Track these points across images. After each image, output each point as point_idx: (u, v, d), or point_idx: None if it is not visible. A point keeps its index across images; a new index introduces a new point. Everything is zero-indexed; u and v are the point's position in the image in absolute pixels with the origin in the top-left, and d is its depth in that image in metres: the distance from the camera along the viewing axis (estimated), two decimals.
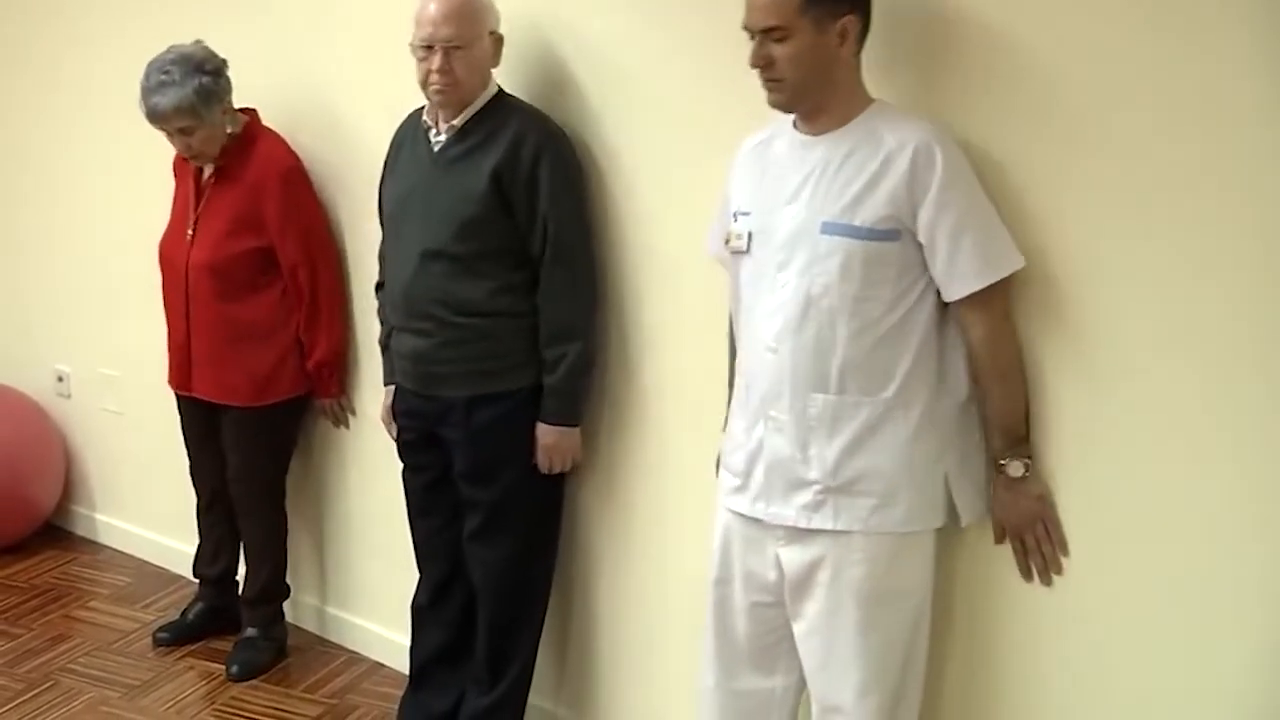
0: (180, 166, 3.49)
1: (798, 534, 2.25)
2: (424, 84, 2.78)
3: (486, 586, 2.99)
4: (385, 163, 3.02)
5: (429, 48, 2.74)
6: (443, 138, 2.84)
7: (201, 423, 3.53)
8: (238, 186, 3.32)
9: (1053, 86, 2.11)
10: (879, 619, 2.22)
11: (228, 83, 3.31)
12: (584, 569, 3.06)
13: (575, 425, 2.90)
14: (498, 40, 2.83)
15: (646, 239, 2.79)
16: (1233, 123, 1.94)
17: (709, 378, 2.59)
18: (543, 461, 2.89)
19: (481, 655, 3.03)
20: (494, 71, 2.84)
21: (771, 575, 2.31)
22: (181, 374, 3.47)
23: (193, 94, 3.21)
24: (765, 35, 2.16)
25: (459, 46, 2.73)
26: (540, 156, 2.75)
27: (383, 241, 3.04)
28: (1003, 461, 2.20)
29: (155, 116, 3.24)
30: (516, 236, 2.80)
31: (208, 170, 3.38)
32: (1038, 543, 2.20)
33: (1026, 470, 2.19)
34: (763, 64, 2.18)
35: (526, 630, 3.02)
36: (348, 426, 3.55)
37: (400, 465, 3.09)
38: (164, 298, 3.51)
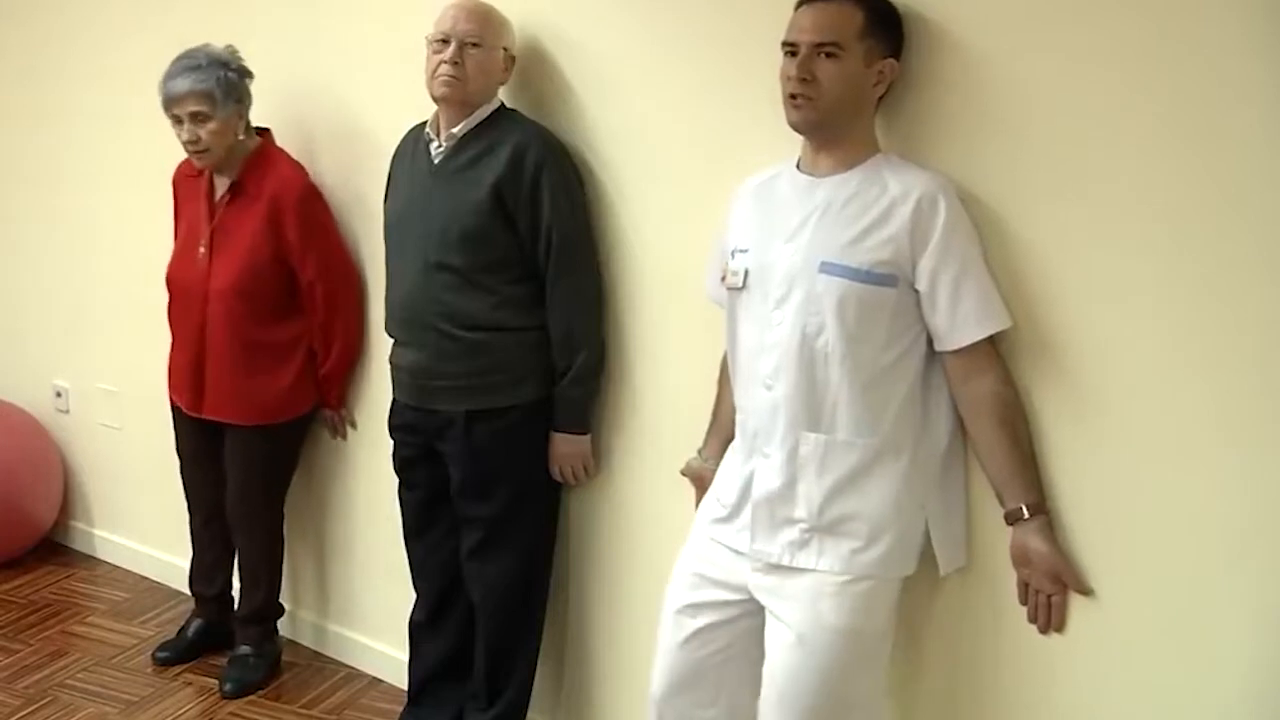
0: (186, 186, 3.47)
1: (778, 567, 2.26)
2: (432, 76, 2.80)
3: (485, 604, 2.99)
4: (388, 178, 3.04)
5: (445, 41, 2.78)
6: (443, 148, 2.86)
7: (202, 441, 3.51)
8: (255, 206, 3.30)
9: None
10: (840, 655, 2.21)
11: (248, 89, 3.31)
12: (582, 584, 3.07)
13: (585, 433, 2.91)
14: (510, 58, 2.85)
15: (645, 250, 2.80)
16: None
17: (708, 389, 2.59)
18: (556, 471, 2.91)
19: (480, 672, 3.03)
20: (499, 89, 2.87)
21: (738, 597, 2.32)
22: (192, 396, 3.43)
23: (214, 82, 3.22)
24: (815, 50, 2.16)
25: (475, 44, 2.77)
26: (542, 169, 2.76)
27: (386, 258, 3.04)
28: (1017, 508, 2.17)
29: (172, 97, 3.24)
30: (517, 249, 2.81)
31: (220, 189, 3.36)
32: (1047, 596, 2.18)
33: (1034, 515, 2.16)
34: (807, 77, 2.17)
35: (525, 646, 3.03)
36: (345, 438, 3.55)
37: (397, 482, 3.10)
38: (173, 321, 3.48)
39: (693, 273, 2.59)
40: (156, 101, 3.37)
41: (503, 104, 2.89)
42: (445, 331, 2.84)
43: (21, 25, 4.20)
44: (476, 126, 2.84)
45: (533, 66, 2.92)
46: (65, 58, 4.10)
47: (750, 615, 2.33)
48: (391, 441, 3.08)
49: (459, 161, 2.84)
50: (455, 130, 2.85)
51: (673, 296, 2.76)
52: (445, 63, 2.77)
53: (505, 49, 2.84)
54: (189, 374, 3.43)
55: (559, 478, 2.93)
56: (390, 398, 3.07)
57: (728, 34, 2.57)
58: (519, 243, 2.81)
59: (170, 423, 3.61)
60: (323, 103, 3.45)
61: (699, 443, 2.62)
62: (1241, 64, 1.91)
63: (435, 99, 2.84)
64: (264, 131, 3.40)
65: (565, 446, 2.89)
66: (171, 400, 3.56)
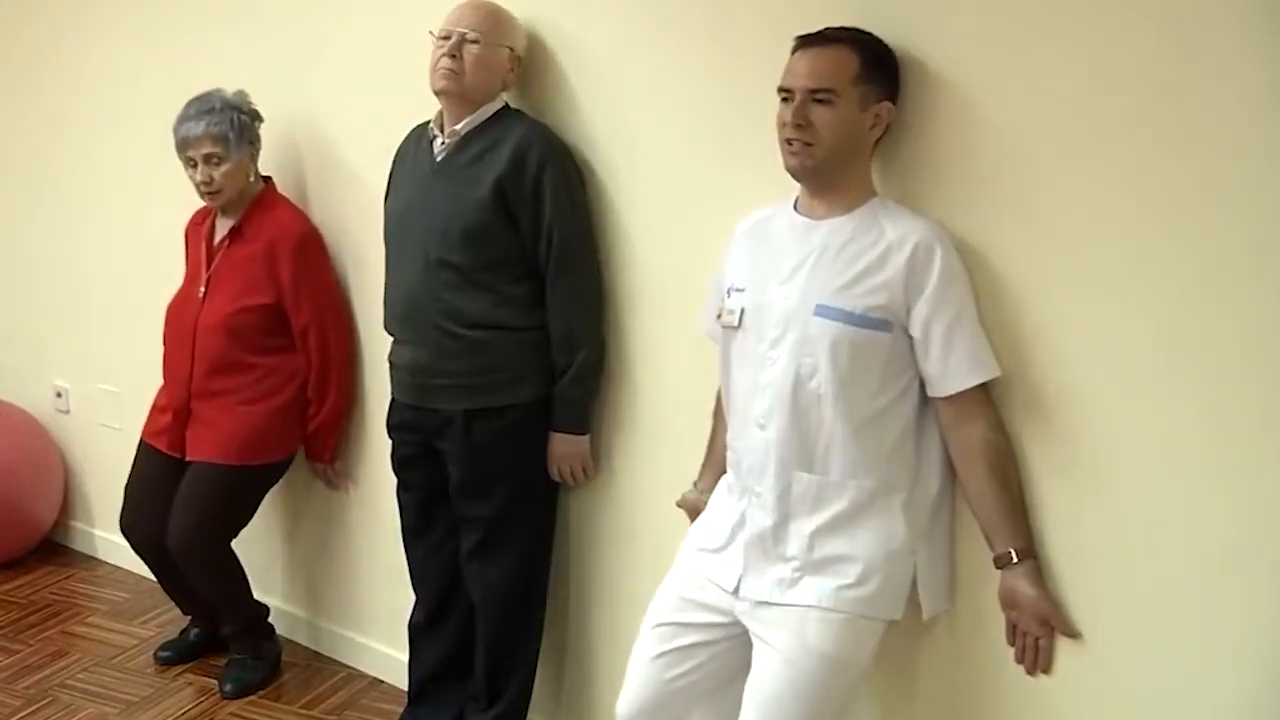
0: (194, 234, 3.51)
1: (767, 603, 2.26)
2: (432, 69, 2.81)
3: (486, 604, 2.99)
4: (389, 177, 3.04)
5: (447, 37, 2.78)
6: (446, 145, 2.86)
7: (165, 479, 3.41)
8: (251, 248, 3.33)
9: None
10: (825, 681, 2.20)
11: (258, 133, 3.37)
12: (582, 584, 3.07)
13: (584, 433, 2.91)
14: (515, 59, 2.86)
15: (645, 250, 2.80)
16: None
17: (708, 389, 2.59)
18: (554, 471, 2.91)
19: (480, 672, 3.03)
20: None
21: (721, 620, 2.31)
22: (175, 438, 3.41)
23: (228, 125, 3.28)
24: (809, 96, 2.17)
25: (475, 41, 2.77)
26: (544, 168, 2.76)
27: (386, 256, 3.04)
28: (1006, 552, 2.17)
29: (187, 141, 3.29)
30: (518, 248, 2.81)
31: (220, 233, 3.40)
32: (1035, 639, 2.18)
33: (1023, 560, 2.16)
34: (801, 124, 2.17)
35: (525, 647, 3.03)
36: (345, 491, 3.53)
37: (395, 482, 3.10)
38: (165, 363, 3.49)
39: (693, 273, 2.59)
40: (157, 103, 3.39)
41: (506, 104, 2.89)
42: (446, 329, 2.84)
43: (31, 34, 4.21)
44: (480, 125, 2.84)
45: (536, 66, 2.91)
46: (68, 63, 4.10)
47: (731, 638, 2.32)
48: (390, 441, 3.07)
49: (461, 159, 2.84)
50: (458, 127, 2.85)
51: (673, 296, 2.75)
52: (444, 55, 2.78)
53: (510, 49, 2.84)
54: (174, 414, 3.41)
55: (558, 478, 2.93)
56: (388, 398, 3.07)
57: (729, 34, 2.57)
58: (520, 241, 2.81)
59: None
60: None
61: (699, 443, 2.62)
62: (1243, 66, 1.90)
63: (435, 93, 2.84)
64: (266, 179, 3.44)
65: (564, 446, 2.89)
66: (143, 440, 3.51)
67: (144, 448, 3.52)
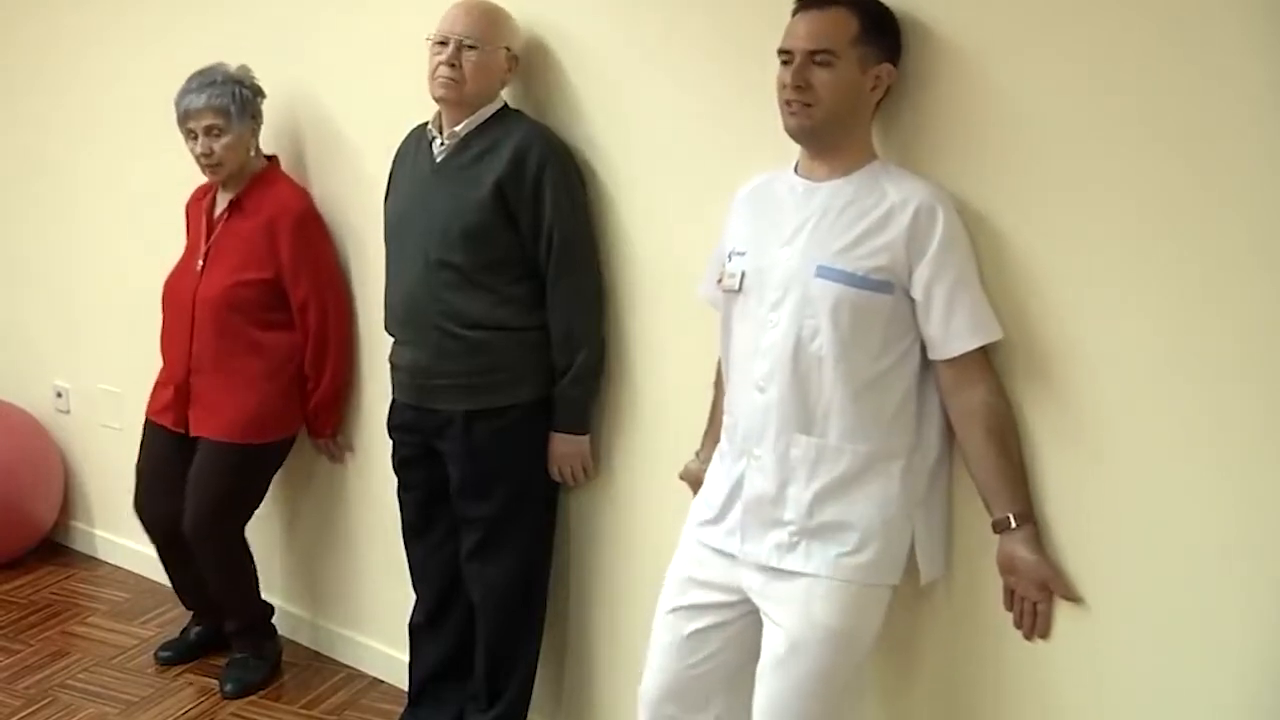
0: (194, 209, 3.51)
1: (770, 570, 2.26)
2: (431, 77, 2.81)
3: (486, 605, 2.99)
4: (389, 178, 3.04)
5: (443, 43, 2.78)
6: (445, 146, 2.86)
7: (171, 458, 3.43)
8: (251, 222, 3.33)
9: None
10: (833, 656, 2.21)
11: (260, 109, 3.37)
12: (582, 584, 3.07)
13: (584, 434, 2.91)
14: (513, 58, 2.85)
15: (645, 250, 2.80)
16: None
17: (708, 390, 2.59)
18: (554, 471, 2.91)
19: (480, 672, 3.03)
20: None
21: (731, 599, 2.32)
22: (177, 413, 3.41)
23: (229, 98, 3.28)
24: (809, 58, 2.17)
25: (472, 46, 2.77)
26: (544, 169, 2.76)
27: (386, 257, 3.04)
28: (1004, 517, 2.17)
29: (188, 113, 3.29)
30: (518, 248, 2.81)
31: (220, 206, 3.39)
32: (1033, 604, 2.18)
33: (1021, 525, 2.17)
34: (801, 85, 2.17)
35: (525, 647, 3.03)
36: (343, 463, 3.54)
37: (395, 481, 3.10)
38: (164, 337, 3.49)
39: (693, 273, 2.59)
40: (159, 105, 3.39)
41: (505, 104, 2.89)
42: (447, 330, 2.84)
43: (29, 31, 4.21)
44: (479, 125, 2.84)
45: (535, 66, 2.92)
46: (71, 63, 4.10)
47: (744, 617, 2.33)
48: (390, 441, 3.07)
49: (461, 160, 2.84)
50: (458, 129, 2.85)
51: (673, 297, 2.75)
52: (443, 64, 2.78)
53: (507, 48, 2.84)
54: (175, 391, 3.41)
55: (558, 478, 2.93)
56: (388, 399, 3.07)
57: (730, 35, 2.57)
58: (520, 242, 2.81)
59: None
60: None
61: (698, 443, 2.62)
62: (1241, 64, 1.90)
63: (435, 99, 2.84)
64: (271, 158, 3.44)
65: (564, 446, 2.89)
66: (148, 419, 3.51)
67: (150, 427, 3.52)
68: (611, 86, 2.80)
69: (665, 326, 2.79)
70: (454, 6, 2.83)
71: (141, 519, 3.56)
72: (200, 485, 3.37)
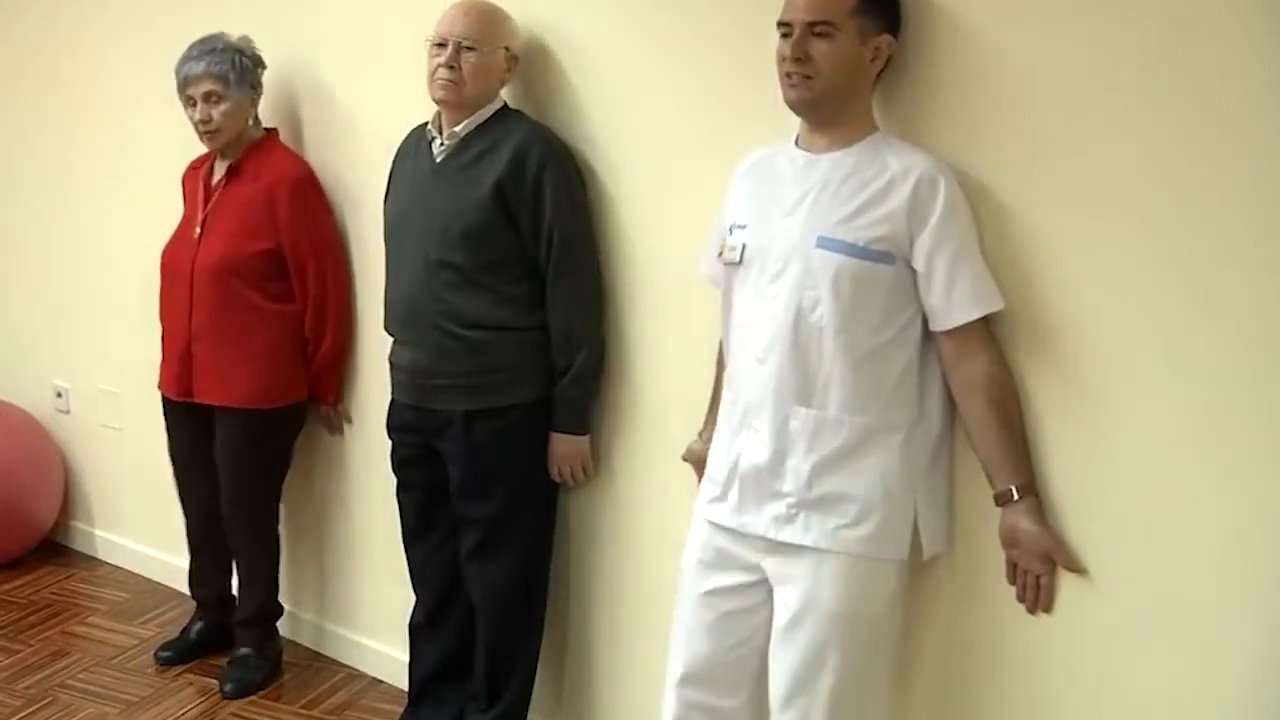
0: (190, 180, 3.52)
1: (775, 545, 2.26)
2: (430, 78, 2.81)
3: (486, 605, 2.99)
4: (389, 178, 3.04)
5: (442, 45, 2.78)
6: (445, 146, 2.86)
7: (194, 434, 3.49)
8: (249, 189, 3.34)
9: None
10: (837, 640, 2.21)
11: (260, 79, 3.38)
12: (582, 584, 3.07)
13: (584, 434, 2.91)
14: (512, 58, 2.85)
15: (645, 250, 2.80)
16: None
17: (708, 389, 2.59)
18: (554, 472, 2.91)
19: (480, 672, 3.03)
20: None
21: (751, 579, 2.31)
22: (182, 382, 3.43)
23: (229, 65, 3.29)
24: (808, 29, 2.17)
25: (471, 47, 2.77)
26: (544, 169, 2.76)
27: (386, 257, 3.03)
28: (1006, 489, 2.17)
29: (188, 80, 3.30)
30: (518, 248, 2.81)
31: (219, 173, 3.40)
32: (1036, 577, 2.18)
33: (1024, 497, 2.16)
34: (801, 57, 2.17)
35: (525, 647, 3.03)
36: (342, 434, 3.55)
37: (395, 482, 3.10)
38: (163, 305, 3.50)
39: (693, 273, 2.59)
40: (161, 103, 3.38)
41: (505, 104, 2.89)
42: (446, 330, 2.84)
43: (22, 26, 4.21)
44: (479, 126, 2.85)
45: (535, 66, 2.92)
46: (68, 59, 4.10)
47: (765, 600, 2.31)
48: (390, 441, 3.07)
49: (461, 160, 2.84)
50: (458, 129, 2.85)
51: (673, 297, 2.75)
52: (442, 66, 2.78)
53: (506, 49, 2.84)
54: (178, 359, 3.43)
55: (558, 478, 2.93)
56: (388, 397, 3.07)
57: (730, 35, 2.57)
58: (520, 242, 2.81)
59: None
60: (324, 105, 3.45)
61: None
62: (1241, 60, 1.91)
63: (434, 101, 2.84)
64: (271, 130, 3.45)
65: (564, 447, 2.89)
66: (163, 397, 3.54)
67: (169, 411, 3.55)
68: (611, 86, 2.80)
69: (665, 326, 2.79)
70: (452, 7, 2.83)
71: (183, 500, 3.63)
72: (229, 460, 3.43)
